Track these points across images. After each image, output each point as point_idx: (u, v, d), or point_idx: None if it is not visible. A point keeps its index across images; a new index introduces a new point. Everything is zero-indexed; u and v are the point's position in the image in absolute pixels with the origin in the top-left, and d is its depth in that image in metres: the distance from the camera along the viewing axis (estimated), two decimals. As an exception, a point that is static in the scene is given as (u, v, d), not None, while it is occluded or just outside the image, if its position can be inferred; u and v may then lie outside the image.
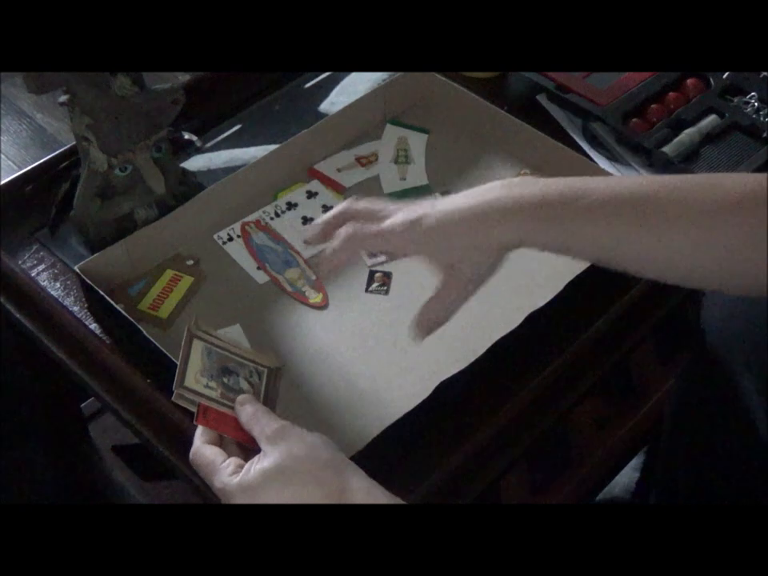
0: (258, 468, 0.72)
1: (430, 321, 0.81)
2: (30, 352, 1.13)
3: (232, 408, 0.79)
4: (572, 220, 0.73)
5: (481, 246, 0.76)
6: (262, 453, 0.73)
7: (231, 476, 0.73)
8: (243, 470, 0.72)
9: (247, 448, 0.77)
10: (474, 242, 0.76)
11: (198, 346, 0.83)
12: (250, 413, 0.77)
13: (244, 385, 0.82)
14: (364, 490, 0.71)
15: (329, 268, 0.79)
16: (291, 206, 1.11)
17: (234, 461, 0.74)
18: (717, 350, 0.98)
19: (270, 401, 0.82)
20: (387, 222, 0.77)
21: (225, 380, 0.82)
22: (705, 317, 1.00)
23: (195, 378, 0.81)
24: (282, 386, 0.93)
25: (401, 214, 0.77)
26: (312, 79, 1.27)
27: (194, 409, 0.79)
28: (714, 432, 1.01)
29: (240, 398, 0.79)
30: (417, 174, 1.14)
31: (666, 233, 0.72)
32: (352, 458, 0.80)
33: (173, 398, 0.79)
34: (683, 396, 1.10)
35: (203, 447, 0.76)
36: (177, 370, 0.81)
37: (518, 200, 0.74)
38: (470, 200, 0.76)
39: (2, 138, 2.03)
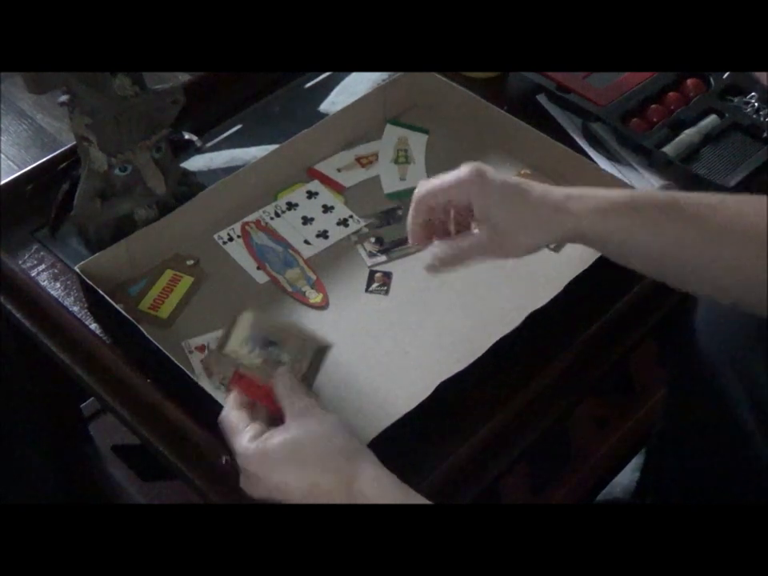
0: (277, 439, 0.74)
1: (435, 256, 0.85)
2: (30, 352, 1.12)
3: (268, 379, 0.80)
4: (650, 220, 0.78)
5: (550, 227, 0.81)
6: (284, 425, 0.76)
7: (251, 441, 0.75)
8: (263, 437, 0.75)
9: (275, 419, 0.78)
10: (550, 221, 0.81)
11: (248, 315, 0.85)
12: (284, 385, 0.79)
13: (286, 358, 0.83)
14: (374, 479, 0.73)
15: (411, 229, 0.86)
16: (291, 206, 1.11)
17: (256, 427, 0.76)
18: (706, 356, 0.98)
19: (308, 378, 0.83)
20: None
21: (269, 350, 0.83)
22: (696, 321, 1.00)
23: (240, 344, 0.83)
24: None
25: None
26: (312, 79, 1.27)
27: (221, 375, 0.81)
28: (703, 437, 1.02)
29: (280, 369, 0.81)
30: (417, 174, 1.14)
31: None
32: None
33: (202, 359, 0.80)
34: (673, 400, 1.10)
35: (231, 412, 0.79)
36: (221, 334, 0.83)
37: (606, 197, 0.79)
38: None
39: (2, 137, 2.03)
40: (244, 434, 0.76)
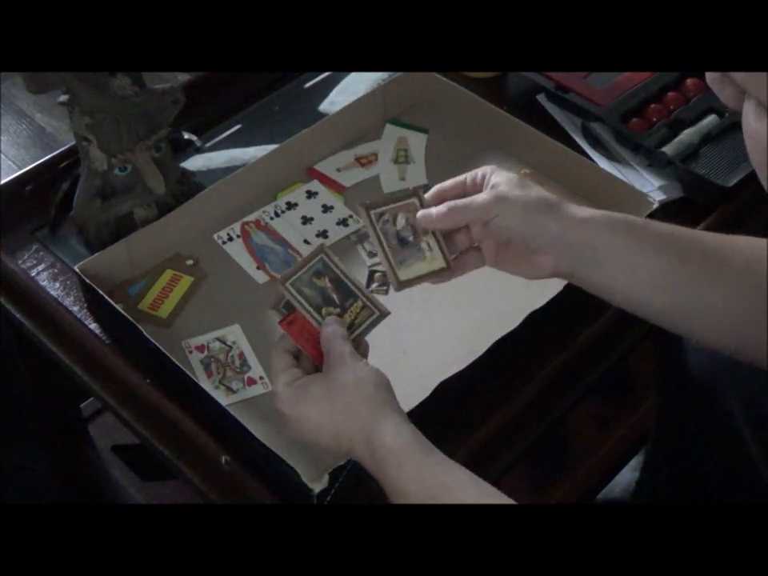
0: (309, 384, 0.77)
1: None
2: (30, 352, 1.13)
3: (319, 324, 0.81)
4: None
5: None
6: (320, 373, 0.79)
7: (286, 385, 0.78)
8: (298, 382, 0.78)
9: (317, 367, 0.80)
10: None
11: (376, 213, 0.86)
12: (330, 331, 0.80)
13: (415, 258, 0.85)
14: (395, 430, 0.75)
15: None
16: (291, 205, 1.11)
17: (294, 372, 0.79)
18: (698, 359, 0.98)
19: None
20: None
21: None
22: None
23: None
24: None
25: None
26: (312, 79, 1.27)
27: (281, 310, 0.82)
28: (697, 438, 1.02)
29: (330, 317, 0.82)
30: (416, 174, 1.14)
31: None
32: (352, 458, 0.80)
33: (279, 280, 0.82)
34: (665, 403, 1.10)
35: (277, 354, 0.81)
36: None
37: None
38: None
39: (2, 137, 2.03)
40: (282, 376, 0.79)
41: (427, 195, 0.86)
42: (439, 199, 0.85)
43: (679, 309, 0.81)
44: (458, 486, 0.73)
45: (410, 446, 0.74)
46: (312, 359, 0.81)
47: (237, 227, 1.08)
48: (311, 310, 0.82)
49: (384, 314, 0.85)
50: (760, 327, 0.76)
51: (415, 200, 0.86)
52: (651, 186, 1.11)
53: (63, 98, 0.98)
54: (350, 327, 0.82)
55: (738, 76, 0.57)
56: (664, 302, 0.81)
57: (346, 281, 0.84)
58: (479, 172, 0.84)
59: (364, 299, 0.84)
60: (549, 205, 0.81)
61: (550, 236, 0.80)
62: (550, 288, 0.95)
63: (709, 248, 0.79)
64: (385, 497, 0.80)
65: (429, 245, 0.85)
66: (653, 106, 1.18)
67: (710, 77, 0.62)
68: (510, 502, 0.71)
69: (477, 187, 0.84)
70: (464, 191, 0.85)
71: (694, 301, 0.79)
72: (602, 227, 0.80)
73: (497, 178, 0.83)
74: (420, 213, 0.85)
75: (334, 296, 0.83)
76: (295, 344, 0.81)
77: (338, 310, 0.83)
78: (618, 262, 0.80)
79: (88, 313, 1.00)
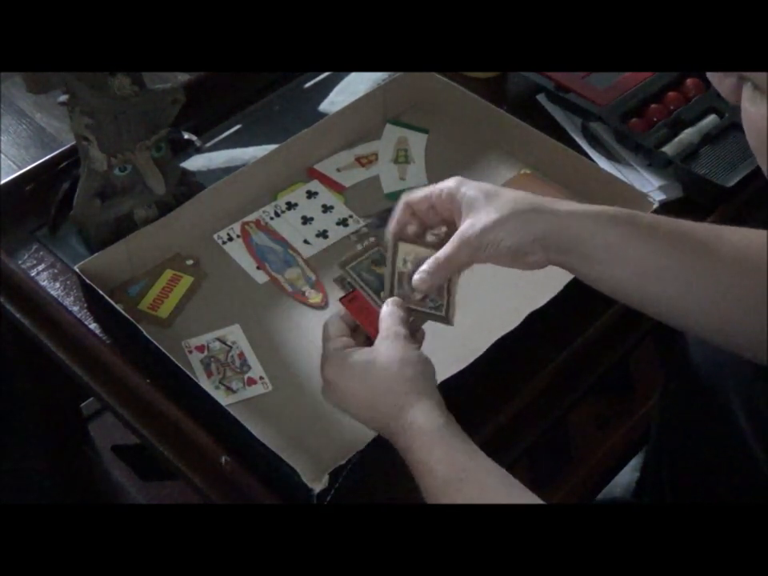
0: (357, 354, 0.79)
1: (421, 269, 0.84)
2: (29, 352, 1.13)
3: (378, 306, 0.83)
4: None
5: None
6: (370, 346, 0.80)
7: (336, 350, 0.80)
8: (346, 351, 0.79)
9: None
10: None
11: (403, 248, 0.86)
12: (390, 311, 0.81)
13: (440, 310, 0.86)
14: (428, 414, 0.76)
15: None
16: (291, 205, 1.11)
17: (345, 340, 0.81)
18: (700, 359, 0.98)
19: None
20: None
21: (403, 284, 0.85)
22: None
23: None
24: (283, 386, 0.93)
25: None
26: (312, 79, 1.27)
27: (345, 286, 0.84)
28: (699, 438, 1.02)
29: (392, 298, 0.83)
30: (417, 174, 1.14)
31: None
32: (353, 457, 0.80)
33: (339, 264, 0.83)
34: (668, 402, 1.10)
35: (333, 320, 0.83)
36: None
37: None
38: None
39: (2, 137, 2.03)
40: (334, 341, 0.81)
41: (396, 210, 0.86)
42: (409, 213, 0.85)
43: (671, 299, 0.81)
44: (485, 471, 0.74)
45: (442, 429, 0.75)
46: (368, 335, 0.82)
47: (237, 227, 1.08)
48: (371, 292, 0.84)
49: (448, 321, 0.85)
50: (752, 315, 0.77)
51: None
52: (651, 186, 1.11)
53: (63, 98, 0.98)
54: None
55: None
56: (655, 293, 0.81)
57: (405, 282, 0.84)
58: (445, 188, 0.83)
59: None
60: (529, 206, 0.80)
61: (536, 237, 0.79)
62: (550, 288, 0.95)
63: (696, 237, 0.79)
64: (385, 496, 0.80)
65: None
66: (653, 106, 1.18)
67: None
68: (535, 499, 0.71)
69: (444, 204, 0.83)
70: (432, 205, 0.84)
71: (685, 291, 0.79)
72: (588, 220, 0.79)
73: (468, 192, 0.82)
74: (415, 278, 0.83)
75: (395, 285, 0.84)
76: (353, 320, 0.83)
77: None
78: (606, 253, 0.79)
79: (88, 313, 1.00)
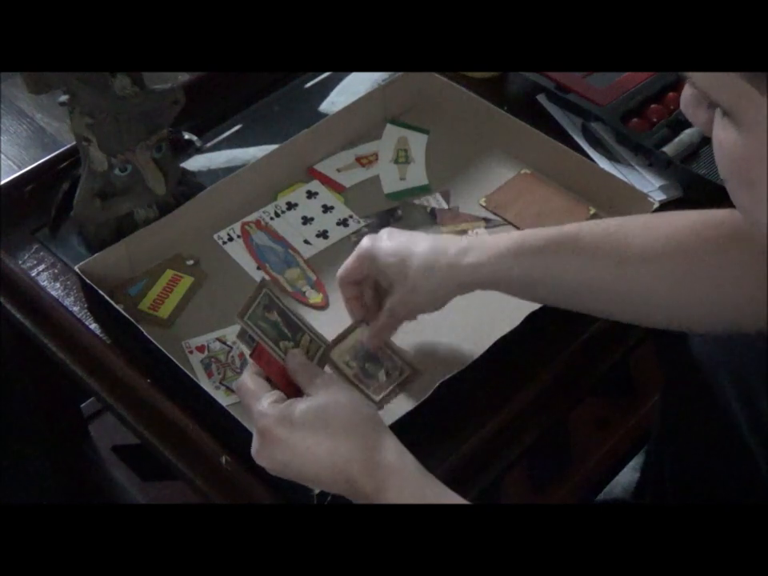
0: (301, 405, 0.74)
1: (367, 341, 0.93)
2: (29, 352, 1.13)
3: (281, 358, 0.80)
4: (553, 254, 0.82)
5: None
6: (306, 395, 0.76)
7: (273, 404, 0.75)
8: (286, 403, 0.75)
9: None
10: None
11: (364, 330, 0.92)
12: (297, 362, 0.79)
13: (382, 377, 0.91)
14: (396, 451, 0.73)
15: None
16: (291, 205, 1.11)
17: (278, 393, 0.76)
18: (699, 358, 0.98)
19: (391, 393, 0.91)
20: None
21: (366, 365, 0.91)
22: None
23: (341, 353, 0.93)
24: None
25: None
26: (312, 79, 1.27)
27: (248, 342, 0.82)
28: (699, 438, 1.02)
29: (292, 351, 0.80)
30: (417, 174, 1.14)
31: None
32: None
33: (237, 314, 0.81)
34: (668, 402, 1.10)
35: (250, 377, 0.78)
36: (335, 338, 0.93)
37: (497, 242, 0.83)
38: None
39: (2, 137, 2.03)
40: (265, 398, 0.75)
41: (342, 291, 0.92)
42: (352, 286, 0.90)
43: (623, 304, 0.83)
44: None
45: (411, 466, 0.73)
46: (281, 389, 0.78)
47: (237, 227, 1.08)
48: (270, 343, 0.80)
49: (329, 346, 0.86)
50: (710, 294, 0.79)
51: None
52: (651, 186, 1.11)
53: (63, 98, 0.98)
54: None
55: (702, 84, 0.58)
56: (603, 304, 0.84)
57: (291, 315, 0.84)
58: (362, 252, 0.88)
59: (310, 333, 0.84)
60: (446, 265, 0.84)
61: (455, 290, 0.86)
62: (550, 288, 0.95)
63: (587, 242, 0.82)
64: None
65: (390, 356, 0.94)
66: (653, 106, 1.18)
67: (683, 102, 0.63)
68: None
69: (364, 269, 0.88)
70: (361, 271, 0.89)
71: (626, 292, 0.81)
72: (507, 258, 0.82)
73: (381, 259, 0.86)
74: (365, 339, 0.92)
75: (286, 330, 0.82)
76: (266, 375, 0.79)
77: (291, 343, 0.82)
78: (528, 284, 0.84)
79: (88, 313, 1.00)
